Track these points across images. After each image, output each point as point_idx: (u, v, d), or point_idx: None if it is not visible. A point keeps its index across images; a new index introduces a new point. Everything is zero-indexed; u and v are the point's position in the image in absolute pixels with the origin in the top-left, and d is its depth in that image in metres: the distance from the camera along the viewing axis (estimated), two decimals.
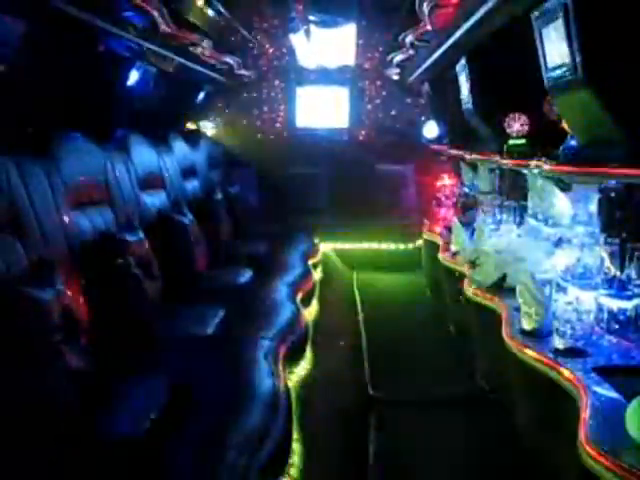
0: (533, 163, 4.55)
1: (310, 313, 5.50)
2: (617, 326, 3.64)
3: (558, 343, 3.55)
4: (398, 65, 8.71)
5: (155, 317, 4.44)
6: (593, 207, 4.35)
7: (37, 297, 2.92)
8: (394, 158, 10.30)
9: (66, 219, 4.22)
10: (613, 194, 3.90)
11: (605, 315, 3.70)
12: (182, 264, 5.50)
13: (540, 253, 4.65)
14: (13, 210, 3.67)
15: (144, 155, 6.17)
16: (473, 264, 5.53)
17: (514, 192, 6.21)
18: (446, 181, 8.98)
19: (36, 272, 3.35)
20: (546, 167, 3.93)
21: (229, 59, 8.22)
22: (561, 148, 4.02)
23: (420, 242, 9.34)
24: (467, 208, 7.76)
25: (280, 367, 3.77)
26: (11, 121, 4.60)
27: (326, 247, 9.03)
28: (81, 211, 4.51)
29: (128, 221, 5.08)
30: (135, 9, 4.68)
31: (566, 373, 3.24)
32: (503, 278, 4.87)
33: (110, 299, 4.05)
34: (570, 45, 3.30)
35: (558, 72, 3.56)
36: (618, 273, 3.75)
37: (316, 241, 8.36)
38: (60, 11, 4.01)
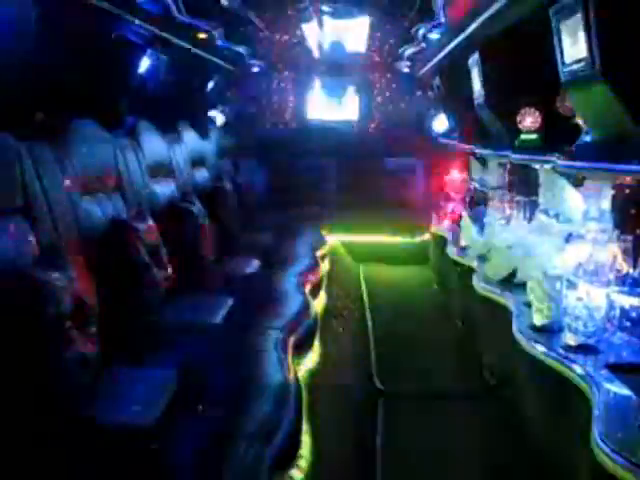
0: (547, 158, 4.52)
1: (318, 304, 5.48)
2: (629, 323, 3.63)
3: (569, 339, 3.54)
4: (409, 58, 8.69)
5: (164, 305, 4.43)
6: (605, 203, 4.32)
7: (49, 282, 2.91)
8: (403, 151, 10.28)
9: (76, 205, 4.20)
10: (628, 190, 3.87)
11: (617, 312, 3.68)
12: (191, 253, 5.48)
13: (551, 249, 4.63)
14: (25, 195, 3.65)
15: (154, 144, 6.15)
16: (483, 259, 5.52)
17: (524, 187, 6.19)
18: (455, 175, 8.94)
19: (48, 258, 3.33)
20: (561, 163, 3.91)
21: (240, 48, 8.20)
22: (576, 144, 3.99)
23: (428, 236, 9.32)
24: (476, 203, 7.74)
25: (289, 357, 3.76)
26: (23, 106, 4.58)
27: (333, 239, 9.01)
28: (92, 198, 4.48)
29: (138, 209, 5.05)
30: None
31: (578, 369, 3.23)
32: (513, 273, 4.86)
33: (120, 286, 4.05)
34: (588, 40, 3.27)
35: (575, 67, 3.53)
36: (631, 270, 3.73)
37: (323, 233, 8.34)
38: None
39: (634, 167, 3.18)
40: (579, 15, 3.33)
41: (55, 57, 4.69)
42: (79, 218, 4.18)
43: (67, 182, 4.08)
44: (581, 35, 3.37)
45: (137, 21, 4.96)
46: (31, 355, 2.83)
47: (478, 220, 6.77)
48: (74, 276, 3.23)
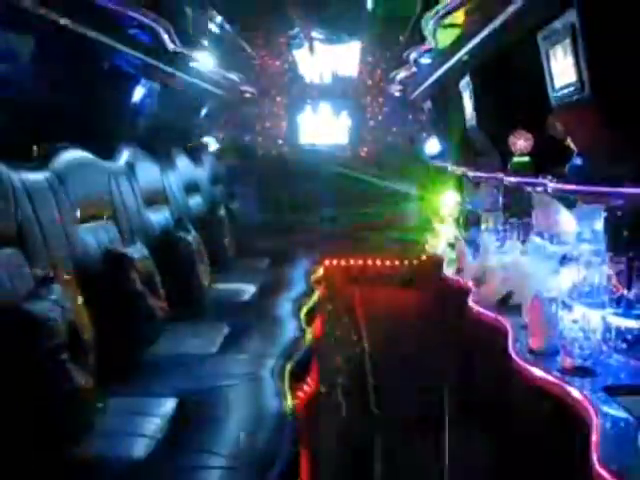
0: (539, 181, 4.54)
1: (314, 329, 5.47)
2: (625, 345, 3.63)
3: (566, 362, 3.53)
4: (401, 82, 8.74)
5: (160, 334, 4.42)
6: (598, 225, 4.34)
7: (42, 314, 2.90)
8: (396, 174, 10.32)
9: (71, 235, 4.21)
10: (620, 213, 3.88)
11: (612, 334, 3.68)
12: (186, 281, 5.48)
13: (545, 271, 4.64)
14: (19, 225, 3.65)
15: (148, 171, 6.17)
16: (478, 281, 5.53)
17: (518, 209, 6.21)
18: (449, 197, 8.97)
19: (41, 288, 3.32)
20: (553, 186, 3.92)
21: (232, 75, 8.25)
22: (567, 166, 4.01)
23: (423, 258, 9.33)
24: (470, 225, 7.76)
25: (286, 385, 3.75)
26: (17, 136, 4.59)
27: (328, 263, 9.01)
28: (86, 227, 4.49)
29: (132, 237, 5.06)
30: (141, 27, 4.70)
31: (574, 393, 3.22)
32: (509, 295, 4.86)
33: (115, 316, 4.03)
34: (578, 65, 3.31)
35: (565, 91, 3.56)
36: (625, 292, 3.73)
37: (318, 257, 8.34)
38: (67, 28, 4.02)
39: (625, 190, 3.20)
40: (567, 40, 3.37)
41: (49, 87, 4.73)
42: (74, 248, 4.18)
43: (61, 212, 4.08)
44: (570, 60, 3.41)
45: (129, 51, 4.98)
46: (26, 389, 2.82)
47: (472, 242, 6.78)
48: (69, 307, 3.22)
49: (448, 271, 6.78)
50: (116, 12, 4.24)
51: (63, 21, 3.90)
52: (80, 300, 3.55)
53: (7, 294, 3.22)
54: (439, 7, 4.40)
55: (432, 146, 9.64)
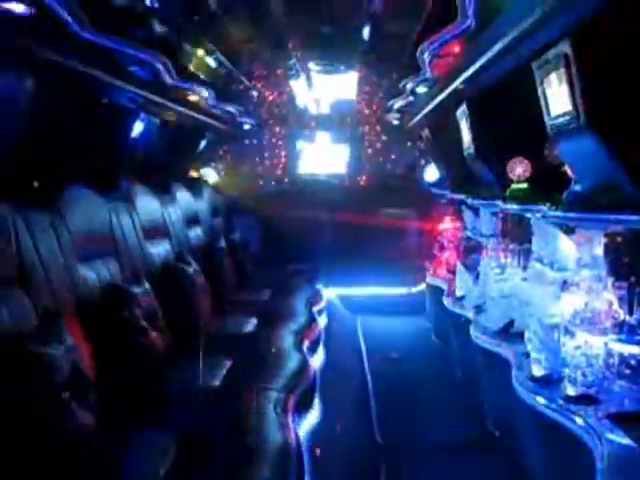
0: (538, 208, 4.56)
1: (317, 361, 5.46)
2: (628, 371, 3.61)
3: (569, 390, 3.52)
4: (398, 110, 8.80)
5: (162, 370, 4.41)
6: (598, 250, 4.34)
7: (45, 354, 2.91)
8: (396, 202, 10.34)
9: (73, 272, 4.22)
10: (619, 239, 3.89)
11: (615, 360, 3.66)
12: (188, 314, 5.48)
13: (547, 297, 4.64)
14: (21, 263, 3.67)
15: (148, 205, 6.19)
16: (480, 309, 5.53)
17: (518, 235, 6.21)
18: (448, 224, 8.99)
19: (44, 326, 3.33)
20: (552, 214, 3.94)
21: (231, 108, 8.31)
22: (565, 193, 4.03)
23: (424, 286, 9.33)
24: (470, 252, 7.76)
25: (289, 418, 3.73)
26: (18, 174, 4.63)
27: (329, 293, 9.01)
28: (87, 263, 4.50)
29: (134, 272, 5.08)
30: (140, 63, 4.75)
31: (579, 421, 3.21)
32: (510, 323, 4.86)
33: (117, 352, 4.03)
34: (572, 93, 3.34)
35: (561, 120, 3.59)
36: (627, 317, 3.73)
37: (319, 287, 8.34)
38: (67, 66, 4.07)
39: (623, 217, 3.22)
40: (562, 70, 3.41)
41: (49, 124, 4.76)
42: (76, 284, 4.20)
43: (63, 249, 4.10)
44: (564, 89, 3.44)
45: (129, 87, 5.03)
46: (30, 427, 2.81)
47: (473, 269, 6.78)
48: (72, 345, 3.22)
49: (449, 299, 6.78)
50: (116, 50, 4.29)
51: (62, 60, 3.94)
52: (82, 336, 3.56)
53: (10, 332, 3.23)
54: (434, 38, 4.45)
55: (431, 173, 9.68)
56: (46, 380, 2.84)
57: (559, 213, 3.89)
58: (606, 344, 3.71)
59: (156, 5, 4.51)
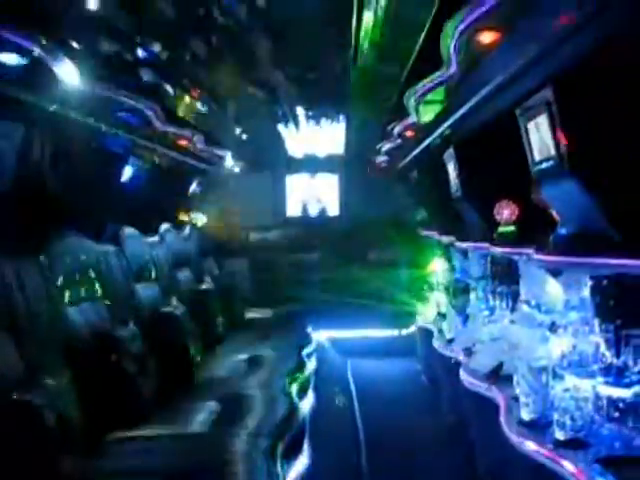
0: (524, 251, 4.58)
1: (306, 405, 5.43)
2: (617, 414, 3.61)
3: (558, 434, 3.52)
4: (386, 153, 8.88)
5: (150, 414, 4.38)
6: (585, 292, 4.36)
7: (31, 403, 2.89)
8: (385, 243, 10.36)
9: (61, 316, 4.22)
10: (605, 282, 3.92)
11: (604, 403, 3.67)
12: (176, 358, 5.46)
13: (535, 340, 4.65)
14: (8, 310, 3.66)
15: (137, 249, 6.21)
16: (469, 352, 5.53)
17: (506, 277, 6.23)
18: (437, 266, 9.01)
19: (31, 375, 3.32)
20: (537, 257, 3.97)
21: (219, 151, 8.37)
22: (551, 237, 4.06)
23: (414, 328, 9.32)
24: (459, 293, 7.77)
25: (278, 465, 3.70)
26: (6, 220, 4.63)
27: (319, 335, 8.98)
28: (76, 308, 4.51)
29: (122, 316, 5.06)
30: (129, 109, 4.80)
31: (569, 466, 3.20)
32: (500, 366, 4.85)
33: (105, 397, 4.01)
34: (555, 139, 3.39)
35: (545, 165, 3.64)
36: (615, 360, 3.74)
37: (309, 329, 8.32)
38: (57, 114, 4.11)
39: (607, 261, 3.25)
40: (544, 116, 3.47)
41: (39, 170, 4.78)
42: (63, 330, 4.19)
43: (51, 295, 4.10)
44: (548, 134, 3.49)
45: (119, 133, 5.08)
46: (16, 477, 2.79)
47: (462, 311, 6.79)
48: (58, 392, 3.21)
49: (439, 341, 6.77)
50: (106, 97, 4.34)
51: (52, 108, 3.98)
52: (69, 382, 3.54)
53: None
54: (420, 85, 4.52)
55: (420, 215, 9.72)
56: (31, 429, 2.82)
57: (544, 257, 3.92)
58: (594, 387, 3.71)
59: (145, 53, 4.58)
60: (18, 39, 3.21)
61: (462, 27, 3.09)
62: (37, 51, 3.32)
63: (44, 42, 3.34)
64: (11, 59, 3.26)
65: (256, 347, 7.09)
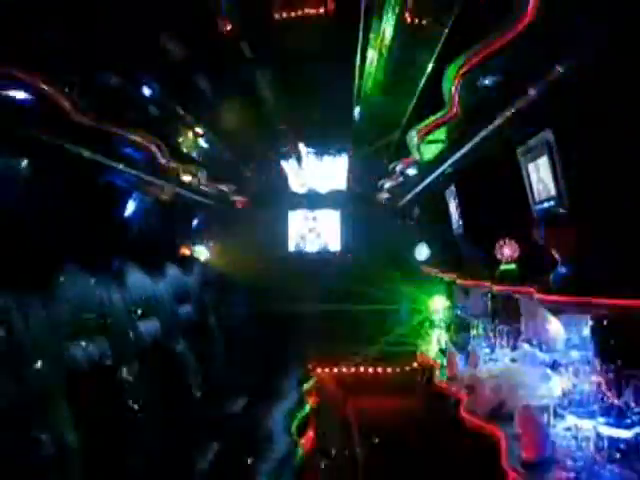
0: (525, 290, 4.60)
1: (306, 443, 5.40)
2: (618, 455, 3.60)
3: (560, 475, 3.50)
4: (388, 190, 8.93)
5: (151, 450, 4.36)
6: (586, 331, 4.38)
7: (33, 438, 2.89)
8: (386, 280, 10.36)
9: (62, 351, 4.22)
10: (606, 322, 3.93)
11: (605, 444, 3.65)
12: (177, 393, 5.45)
13: (536, 379, 4.65)
14: (11, 344, 3.67)
15: (139, 283, 6.21)
16: (470, 390, 5.51)
17: (507, 315, 6.24)
18: (438, 302, 9.02)
19: (33, 409, 3.32)
20: (537, 297, 3.98)
21: (222, 186, 8.43)
22: (551, 276, 4.08)
23: (415, 365, 9.29)
24: (460, 330, 7.77)
25: None
26: (10, 253, 4.65)
27: (320, 371, 8.95)
28: (77, 342, 4.50)
29: (123, 351, 5.06)
30: (134, 145, 4.85)
31: None
32: (500, 405, 4.84)
33: (105, 433, 4.00)
34: (556, 180, 3.43)
35: (545, 205, 3.68)
36: (616, 400, 3.73)
37: (310, 366, 8.30)
38: (63, 149, 4.16)
39: (608, 301, 3.26)
40: (545, 157, 3.51)
41: (44, 204, 4.82)
42: (65, 365, 4.18)
43: (53, 331, 4.11)
44: (548, 175, 3.54)
45: (123, 168, 5.12)
46: None
47: (463, 348, 6.78)
48: (60, 428, 3.21)
49: (440, 379, 6.75)
50: (111, 133, 4.39)
51: (58, 143, 4.03)
52: (70, 417, 3.54)
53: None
54: (422, 124, 4.58)
55: (421, 252, 9.75)
56: (33, 464, 2.82)
57: (545, 297, 3.93)
58: (595, 427, 3.70)
59: (150, 90, 4.64)
60: (25, 76, 3.26)
61: (463, 70, 3.15)
62: (43, 87, 3.37)
63: (50, 78, 3.40)
64: (20, 95, 3.31)
65: (257, 382, 7.07)
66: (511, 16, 2.57)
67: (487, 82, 3.21)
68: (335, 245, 10.82)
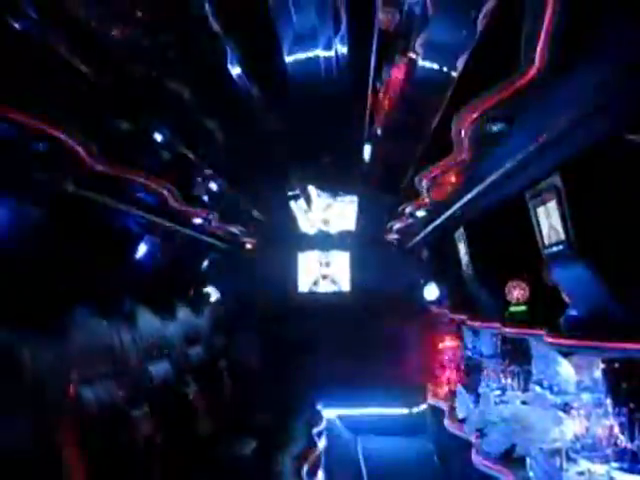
0: (535, 333, 4.60)
1: None
2: None
3: None
4: (398, 231, 8.96)
5: None
6: (598, 373, 4.36)
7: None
8: (396, 321, 10.34)
9: (73, 394, 4.23)
10: (617, 365, 3.92)
11: None
12: (186, 436, 5.44)
13: (548, 422, 4.62)
14: (19, 386, 3.69)
15: (150, 325, 6.25)
16: (481, 432, 5.48)
17: (517, 356, 6.21)
18: (448, 343, 8.99)
19: (43, 452, 3.33)
20: (548, 340, 3.99)
21: (233, 228, 8.48)
22: (562, 318, 4.08)
23: (425, 406, 9.23)
24: (471, 371, 7.73)
25: None
26: (23, 296, 4.69)
27: (330, 413, 8.91)
28: (88, 385, 4.51)
29: (133, 393, 5.07)
30: (146, 189, 4.91)
31: None
32: (512, 448, 4.81)
33: (115, 475, 3.99)
34: (565, 224, 3.46)
35: (555, 249, 3.69)
36: (629, 445, 3.71)
37: (319, 408, 8.26)
38: (76, 194, 4.22)
39: (618, 345, 3.26)
40: (554, 201, 3.54)
41: (57, 248, 4.86)
42: (75, 406, 4.19)
43: (64, 373, 4.13)
44: (557, 219, 3.56)
45: (135, 211, 5.18)
46: None
47: (473, 389, 6.75)
48: (69, 469, 3.21)
49: (450, 421, 6.71)
50: (124, 178, 4.45)
51: (72, 189, 4.09)
52: (80, 460, 3.54)
53: (8, 456, 3.22)
54: (431, 167, 4.62)
55: (430, 292, 9.73)
56: None
57: (557, 340, 3.93)
58: (608, 472, 3.68)
59: (161, 135, 4.70)
60: (40, 124, 3.32)
61: (473, 116, 3.19)
62: (58, 134, 3.43)
63: (65, 124, 3.46)
64: (34, 143, 3.38)
65: (267, 425, 7.03)
66: (519, 64, 2.62)
67: (496, 128, 3.25)
68: (346, 285, 10.83)
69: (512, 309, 5.56)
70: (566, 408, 4.58)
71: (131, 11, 3.28)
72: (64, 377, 4.19)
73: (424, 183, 5.08)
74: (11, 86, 3.05)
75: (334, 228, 10.39)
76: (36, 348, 3.94)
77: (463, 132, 3.51)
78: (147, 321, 6.20)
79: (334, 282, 10.84)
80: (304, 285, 10.83)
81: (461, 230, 6.37)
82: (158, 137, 4.77)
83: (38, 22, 2.94)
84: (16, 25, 2.89)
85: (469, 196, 4.76)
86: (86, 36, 3.33)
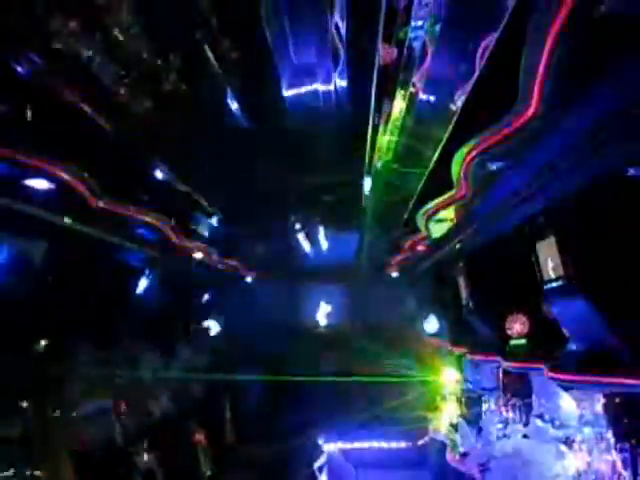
0: (536, 367, 4.59)
1: None
2: None
3: None
4: (398, 265, 8.97)
5: None
6: (599, 407, 4.35)
7: None
8: (396, 353, 10.29)
9: (72, 430, 4.24)
10: (618, 400, 3.92)
11: None
12: (186, 471, 5.41)
13: (549, 456, 4.61)
14: (23, 423, 3.71)
15: (149, 361, 6.24)
16: (483, 467, 5.46)
17: (518, 390, 6.19)
18: (449, 376, 8.95)
19: None
20: (548, 374, 3.99)
21: (233, 262, 8.50)
22: (562, 353, 4.09)
23: (427, 439, 9.16)
24: (472, 405, 7.68)
25: None
26: (24, 331, 4.70)
27: (330, 446, 8.84)
28: (88, 420, 4.52)
29: (133, 430, 5.07)
30: (148, 226, 4.95)
31: None
32: None
33: None
34: (564, 259, 3.48)
35: (554, 284, 3.71)
36: None
37: (320, 441, 8.20)
38: (79, 231, 4.25)
39: (618, 381, 3.27)
40: (552, 238, 3.57)
41: (59, 285, 4.89)
42: (75, 443, 4.20)
43: (64, 409, 4.13)
44: (556, 255, 3.58)
45: (138, 248, 5.22)
46: None
47: (475, 422, 6.72)
48: None
49: (452, 455, 6.67)
50: (126, 215, 4.49)
51: (76, 226, 4.12)
52: None
53: None
54: (429, 206, 4.66)
55: (431, 324, 9.71)
56: None
57: (557, 375, 3.93)
58: None
59: (163, 174, 4.76)
60: (45, 165, 3.37)
61: (472, 156, 3.24)
62: (62, 175, 3.47)
63: (69, 166, 3.51)
64: (42, 184, 3.42)
65: (266, 459, 6.99)
66: (516, 107, 2.67)
67: (494, 167, 3.29)
68: (347, 318, 10.83)
69: (513, 343, 5.55)
70: (568, 441, 4.56)
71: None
72: (64, 413, 4.20)
73: (423, 218, 5.12)
74: (15, 127, 3.11)
75: (335, 262, 10.40)
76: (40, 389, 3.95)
77: (462, 171, 3.55)
78: (147, 358, 6.20)
79: (336, 315, 10.84)
80: (305, 317, 10.82)
81: (461, 265, 6.38)
82: (159, 176, 4.83)
83: (42, 65, 3.01)
84: (19, 69, 2.95)
85: (468, 231, 4.79)
86: (88, 77, 3.40)
